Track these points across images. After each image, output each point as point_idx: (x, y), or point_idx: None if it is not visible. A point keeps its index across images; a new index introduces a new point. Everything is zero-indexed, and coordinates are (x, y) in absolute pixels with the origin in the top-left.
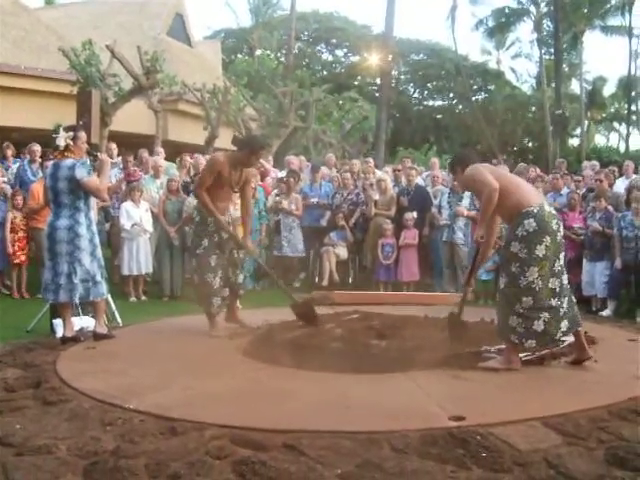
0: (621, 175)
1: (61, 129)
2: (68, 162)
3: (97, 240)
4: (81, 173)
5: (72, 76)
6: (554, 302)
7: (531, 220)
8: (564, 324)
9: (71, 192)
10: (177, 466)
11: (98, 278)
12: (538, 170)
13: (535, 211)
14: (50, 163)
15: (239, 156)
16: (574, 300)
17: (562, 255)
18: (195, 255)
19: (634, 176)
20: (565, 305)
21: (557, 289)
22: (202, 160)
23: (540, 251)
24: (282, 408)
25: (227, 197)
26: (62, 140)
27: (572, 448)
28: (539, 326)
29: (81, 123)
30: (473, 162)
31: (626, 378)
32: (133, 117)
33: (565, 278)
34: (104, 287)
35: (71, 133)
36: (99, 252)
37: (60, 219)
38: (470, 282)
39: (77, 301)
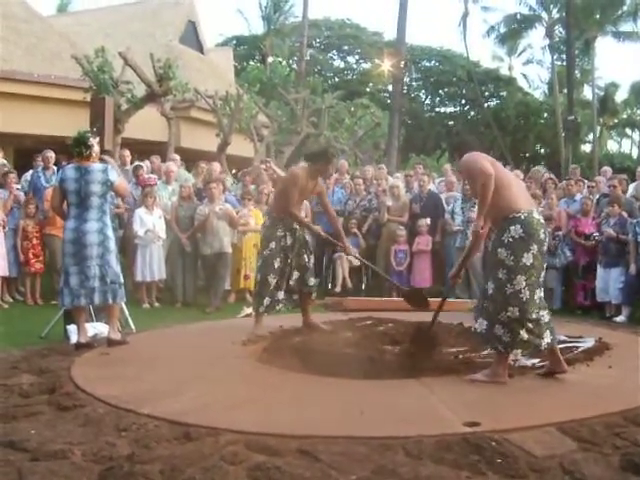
0: (634, 181)
1: (90, 136)
2: (99, 166)
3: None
4: (114, 176)
5: (85, 83)
6: (535, 314)
7: (517, 226)
8: (547, 334)
9: (102, 195)
10: (192, 471)
11: (122, 280)
12: (552, 175)
13: (522, 217)
14: (70, 167)
15: (315, 168)
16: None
17: (544, 266)
18: (262, 255)
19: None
20: (547, 316)
21: (537, 300)
22: (216, 167)
23: (528, 259)
24: (296, 414)
25: (299, 206)
26: (97, 146)
27: (588, 454)
28: (524, 335)
29: (94, 130)
30: (472, 150)
31: None
32: (146, 124)
33: (542, 290)
34: (124, 290)
35: (97, 139)
36: (118, 255)
37: (88, 222)
38: (459, 274)
39: (110, 302)
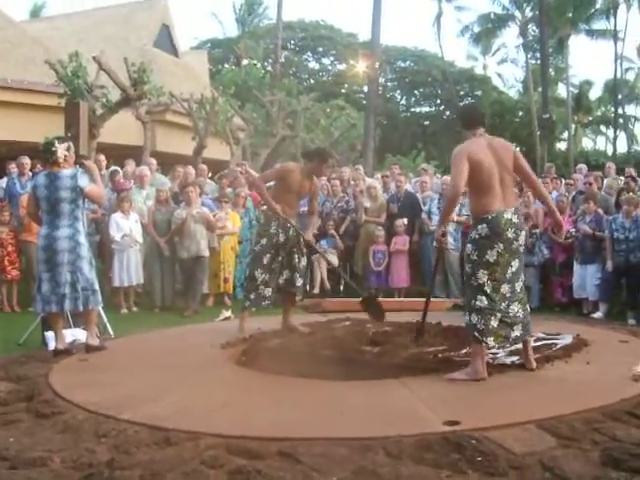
0: (607, 177)
1: (56, 141)
2: (68, 172)
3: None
4: (84, 182)
5: (59, 88)
6: (503, 306)
7: (484, 225)
8: (517, 328)
9: (72, 201)
10: (172, 476)
11: (96, 286)
12: None
13: (490, 218)
14: (41, 174)
15: (310, 166)
16: (529, 309)
17: (516, 262)
18: (252, 251)
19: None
20: (519, 312)
21: (508, 294)
22: (191, 171)
23: (491, 256)
24: (276, 416)
25: (294, 204)
26: (61, 152)
27: (567, 450)
28: (495, 322)
29: (69, 135)
30: (470, 126)
31: (618, 379)
32: (121, 128)
33: (519, 285)
34: (100, 296)
35: (67, 144)
36: (93, 261)
37: (60, 229)
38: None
39: (81, 309)
